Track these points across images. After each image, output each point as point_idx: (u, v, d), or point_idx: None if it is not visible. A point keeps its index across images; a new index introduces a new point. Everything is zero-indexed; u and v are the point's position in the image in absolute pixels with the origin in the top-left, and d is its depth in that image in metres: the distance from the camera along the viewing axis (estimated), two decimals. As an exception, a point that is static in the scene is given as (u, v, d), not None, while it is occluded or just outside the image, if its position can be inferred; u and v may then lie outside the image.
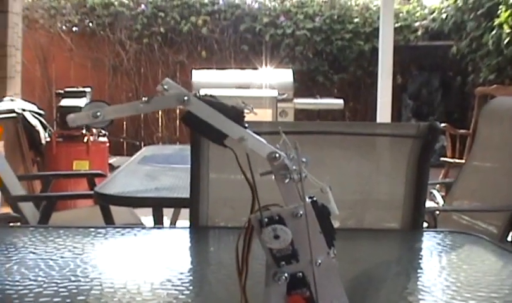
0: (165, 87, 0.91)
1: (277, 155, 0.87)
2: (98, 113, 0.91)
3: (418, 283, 1.53)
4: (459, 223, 3.68)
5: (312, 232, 0.87)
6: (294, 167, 0.87)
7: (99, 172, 4.87)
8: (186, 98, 0.91)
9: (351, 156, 2.20)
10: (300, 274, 0.88)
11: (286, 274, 0.88)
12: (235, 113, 0.91)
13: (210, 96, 0.93)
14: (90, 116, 0.92)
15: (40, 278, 1.39)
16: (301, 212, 0.87)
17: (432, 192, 4.05)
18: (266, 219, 0.87)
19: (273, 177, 0.92)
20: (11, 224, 3.34)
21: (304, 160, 0.87)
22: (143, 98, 0.92)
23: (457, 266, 1.63)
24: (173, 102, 0.91)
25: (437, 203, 4.00)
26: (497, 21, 8.69)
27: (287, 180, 0.87)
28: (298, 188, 0.87)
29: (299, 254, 0.88)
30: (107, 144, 6.76)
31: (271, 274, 0.88)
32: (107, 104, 0.97)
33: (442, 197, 4.09)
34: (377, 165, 2.28)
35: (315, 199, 0.88)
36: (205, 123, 0.90)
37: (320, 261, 0.88)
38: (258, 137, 0.89)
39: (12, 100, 6.64)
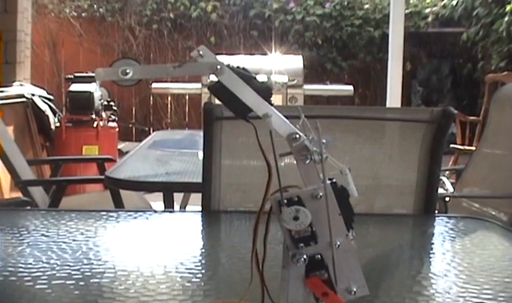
0: (201, 53, 0.91)
1: (297, 136, 0.86)
2: (128, 71, 0.91)
3: (432, 267, 1.52)
4: (469, 210, 3.68)
5: (331, 214, 0.86)
6: (314, 148, 0.86)
7: (109, 156, 4.87)
8: (219, 67, 0.90)
9: (364, 140, 2.19)
10: (319, 256, 0.88)
11: (304, 256, 0.87)
12: (264, 89, 0.90)
13: (243, 68, 0.92)
14: (118, 73, 0.91)
15: (52, 261, 1.39)
16: (320, 193, 0.86)
17: (441, 179, 4.04)
18: (285, 201, 0.86)
19: (286, 159, 0.92)
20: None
21: (324, 141, 0.86)
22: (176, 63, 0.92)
23: (470, 250, 1.63)
24: (205, 69, 0.90)
25: (447, 190, 3.99)
26: (508, 8, 8.64)
27: (307, 161, 0.86)
28: (317, 169, 0.86)
29: (318, 235, 0.87)
30: (117, 130, 6.76)
31: (289, 256, 0.88)
32: (138, 62, 0.96)
33: (452, 184, 4.07)
34: (390, 150, 2.27)
35: (334, 180, 0.87)
36: (232, 95, 0.89)
37: (339, 243, 0.88)
38: (282, 116, 0.88)
39: (21, 85, 6.64)
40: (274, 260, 0.95)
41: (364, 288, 0.90)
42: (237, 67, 0.91)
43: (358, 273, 0.89)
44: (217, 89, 0.90)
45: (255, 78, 0.91)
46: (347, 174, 0.88)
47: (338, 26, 10.59)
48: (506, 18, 8.73)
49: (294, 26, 10.56)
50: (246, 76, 0.90)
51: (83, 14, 10.74)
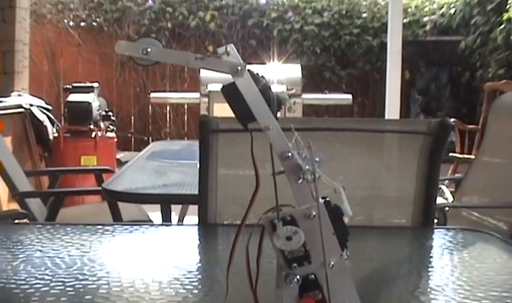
0: (228, 50, 0.90)
1: (289, 155, 0.85)
2: (149, 50, 0.91)
3: (430, 281, 1.51)
4: (468, 220, 3.66)
5: (325, 233, 0.85)
6: (307, 167, 0.85)
7: (107, 167, 4.85)
8: (239, 68, 0.89)
9: (361, 152, 2.18)
10: (312, 276, 0.86)
11: (298, 277, 0.86)
12: (274, 102, 0.89)
13: (262, 76, 0.91)
14: (140, 50, 0.91)
15: (46, 277, 1.38)
16: (313, 213, 0.84)
17: (441, 188, 4.03)
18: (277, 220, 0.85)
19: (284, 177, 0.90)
20: (18, 220, 3.32)
21: (317, 159, 0.85)
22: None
23: (469, 264, 1.61)
24: (226, 68, 0.90)
25: (446, 199, 3.97)
26: (505, 16, 8.64)
27: (300, 181, 0.85)
28: (311, 188, 0.85)
29: (311, 255, 0.86)
30: (115, 140, 6.75)
31: (283, 277, 0.86)
32: (160, 43, 0.95)
33: (451, 193, 4.06)
34: (387, 162, 2.26)
35: (328, 199, 0.86)
36: (242, 99, 0.88)
37: (332, 263, 0.86)
38: (281, 132, 0.87)
39: (19, 95, 6.63)
40: (270, 274, 0.94)
41: (359, 307, 0.88)
42: (257, 74, 0.91)
43: (353, 292, 0.88)
44: (230, 90, 0.90)
45: (270, 89, 0.90)
46: (342, 193, 0.87)
47: (336, 35, 10.59)
48: (503, 26, 8.73)
49: (293, 35, 10.57)
50: (262, 84, 0.90)
51: (82, 24, 10.73)
